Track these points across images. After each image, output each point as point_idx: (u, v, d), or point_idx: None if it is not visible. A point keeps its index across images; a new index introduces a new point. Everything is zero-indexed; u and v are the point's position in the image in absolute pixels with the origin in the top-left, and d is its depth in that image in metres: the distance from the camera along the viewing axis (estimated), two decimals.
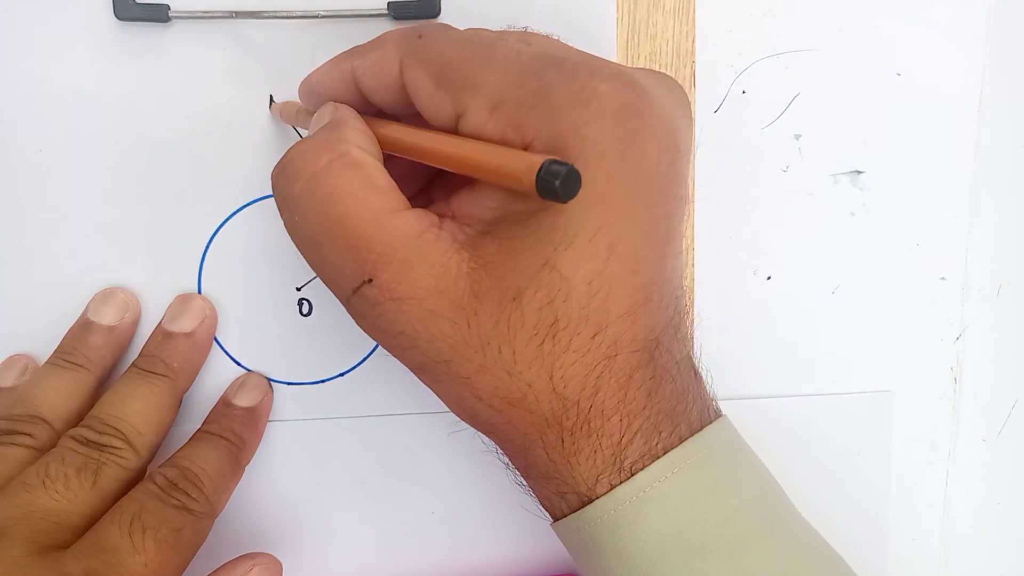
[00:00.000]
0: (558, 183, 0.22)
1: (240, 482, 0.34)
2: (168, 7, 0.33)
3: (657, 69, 0.29)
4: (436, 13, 0.34)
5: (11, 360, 0.34)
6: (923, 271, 0.38)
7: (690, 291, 0.37)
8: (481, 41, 0.27)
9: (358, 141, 0.27)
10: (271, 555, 0.33)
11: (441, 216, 0.27)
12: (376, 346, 0.36)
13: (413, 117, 0.29)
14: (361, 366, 0.36)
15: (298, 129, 0.35)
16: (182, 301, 0.35)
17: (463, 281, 0.25)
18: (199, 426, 0.34)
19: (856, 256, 0.38)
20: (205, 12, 0.33)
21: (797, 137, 0.37)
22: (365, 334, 0.36)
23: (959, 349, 0.39)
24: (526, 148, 0.25)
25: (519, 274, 0.25)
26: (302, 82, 0.31)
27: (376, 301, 0.26)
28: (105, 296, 0.34)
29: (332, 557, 0.37)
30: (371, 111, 0.30)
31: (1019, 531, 0.41)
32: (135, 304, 0.35)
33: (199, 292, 0.35)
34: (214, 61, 0.34)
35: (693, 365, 0.29)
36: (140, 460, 0.32)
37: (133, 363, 0.34)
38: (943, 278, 0.38)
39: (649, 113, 0.26)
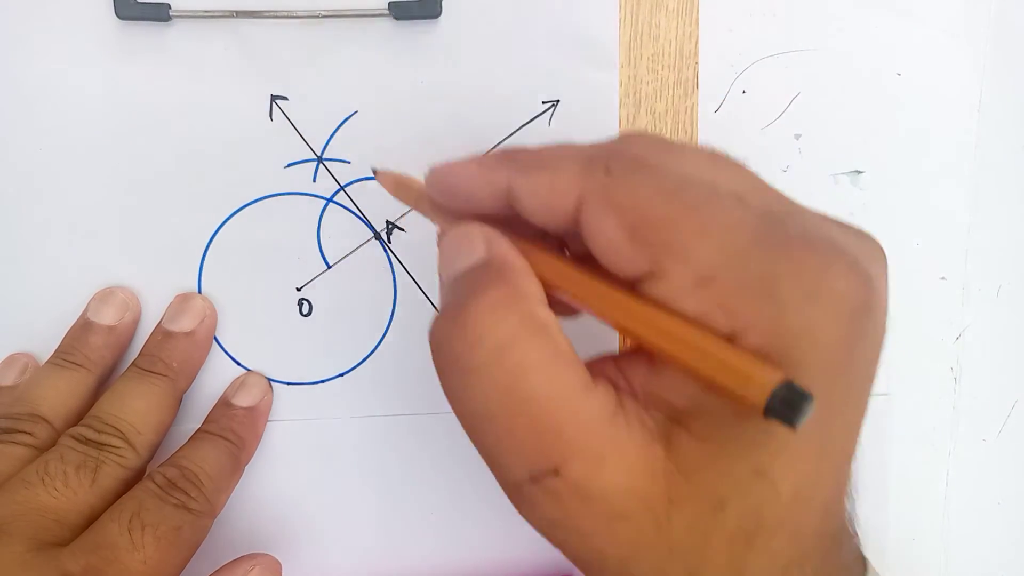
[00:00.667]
0: (796, 416, 0.20)
1: (240, 482, 0.34)
2: (169, 6, 0.33)
3: (849, 223, 0.26)
4: (437, 13, 0.34)
5: (11, 359, 0.34)
6: (923, 271, 0.38)
7: None
8: (691, 197, 0.23)
9: (538, 294, 0.24)
10: (271, 556, 0.33)
11: (616, 387, 0.24)
12: (376, 346, 0.36)
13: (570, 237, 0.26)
14: (361, 366, 0.36)
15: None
16: (182, 301, 0.35)
17: (658, 484, 0.22)
18: (199, 426, 0.34)
19: None
20: (206, 11, 0.33)
21: (797, 137, 0.37)
22: (364, 333, 0.36)
23: (959, 349, 0.39)
24: (733, 335, 0.22)
25: (723, 480, 0.22)
26: (437, 173, 0.27)
27: (558, 495, 0.22)
28: (105, 296, 0.34)
29: (332, 557, 0.37)
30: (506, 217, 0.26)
31: (1019, 531, 0.41)
32: (135, 304, 0.35)
33: (199, 292, 0.35)
34: (215, 60, 0.34)
35: (855, 529, 0.26)
36: (139, 459, 0.32)
37: (133, 363, 0.34)
38: (943, 278, 0.38)
39: (876, 307, 0.23)
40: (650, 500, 0.22)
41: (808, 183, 0.37)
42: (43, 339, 0.34)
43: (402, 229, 0.36)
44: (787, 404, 0.20)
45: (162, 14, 0.33)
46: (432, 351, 0.24)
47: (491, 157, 0.26)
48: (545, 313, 0.24)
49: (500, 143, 0.35)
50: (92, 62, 0.34)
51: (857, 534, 0.26)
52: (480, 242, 0.25)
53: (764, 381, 0.20)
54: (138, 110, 0.34)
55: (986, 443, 0.40)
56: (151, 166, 0.34)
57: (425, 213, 0.28)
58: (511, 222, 0.26)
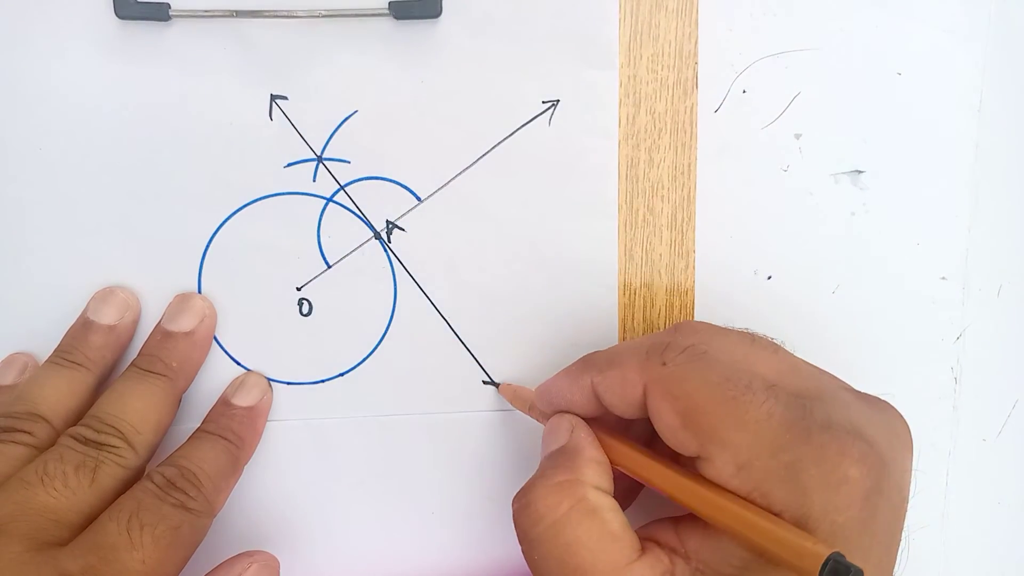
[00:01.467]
0: None
1: (239, 482, 0.34)
2: (169, 6, 0.33)
3: (876, 398, 0.30)
4: (437, 13, 0.34)
5: (11, 358, 0.34)
6: (923, 271, 0.38)
7: (690, 291, 0.37)
8: (731, 388, 0.27)
9: (594, 480, 0.29)
10: (269, 552, 0.33)
11: (671, 551, 0.28)
12: (376, 346, 0.36)
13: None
14: (361, 366, 0.36)
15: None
16: (182, 300, 0.35)
17: None
18: (198, 425, 0.34)
19: (856, 256, 0.38)
20: (206, 11, 0.33)
21: (797, 137, 0.37)
22: (364, 333, 0.36)
23: (959, 349, 0.39)
24: (772, 513, 0.26)
25: None
26: (541, 390, 0.33)
27: None
28: (105, 295, 0.34)
29: (331, 557, 0.37)
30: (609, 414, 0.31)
31: (1019, 531, 0.41)
32: (135, 303, 0.35)
33: (199, 292, 0.35)
34: (215, 60, 0.34)
35: None
36: (139, 459, 0.32)
37: (132, 362, 0.34)
38: (943, 278, 0.38)
39: (887, 487, 0.26)
40: None
41: (808, 183, 0.37)
42: (43, 339, 0.35)
43: (402, 229, 0.36)
44: (836, 575, 0.23)
45: (162, 14, 0.33)
46: (513, 518, 0.29)
47: (575, 365, 0.31)
48: (599, 496, 0.28)
49: (500, 143, 0.35)
50: (92, 62, 0.34)
51: None
52: (565, 429, 0.31)
53: (815, 553, 0.24)
54: (138, 110, 0.34)
55: (986, 443, 0.40)
56: (151, 166, 0.34)
57: (537, 419, 0.34)
58: (604, 419, 0.31)
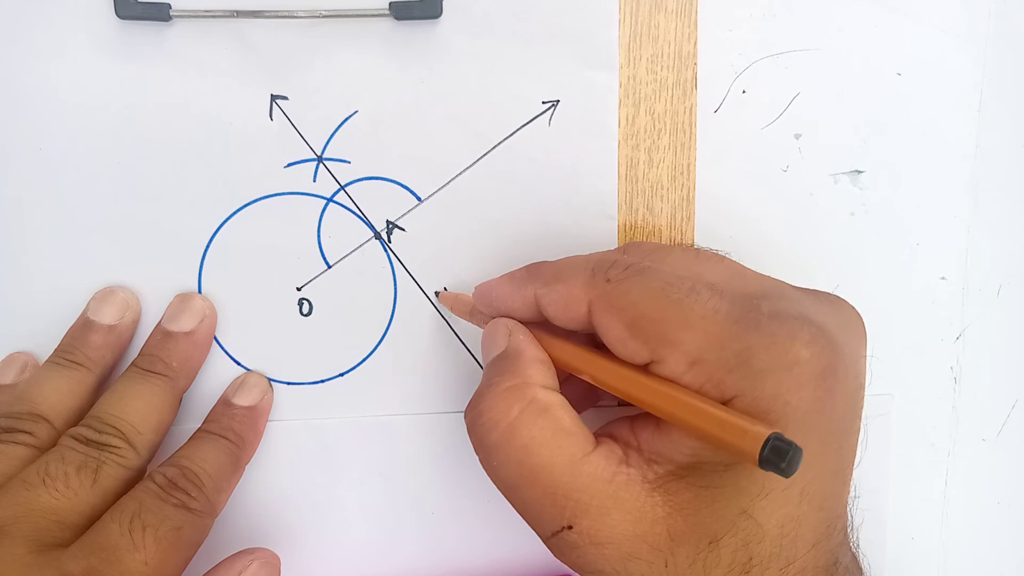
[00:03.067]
0: (784, 464, 0.23)
1: (240, 481, 0.34)
2: (169, 6, 0.33)
3: (825, 293, 0.30)
4: (438, 13, 0.34)
5: (11, 358, 0.34)
6: (923, 271, 0.38)
7: None
8: (675, 297, 0.27)
9: (540, 379, 0.29)
10: (270, 550, 0.33)
11: (624, 444, 0.28)
12: (376, 346, 0.36)
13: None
14: (361, 366, 0.36)
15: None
16: (182, 300, 0.35)
17: (659, 525, 0.27)
18: (199, 425, 0.34)
19: (856, 256, 0.38)
20: (206, 11, 0.33)
21: (797, 137, 0.37)
22: (364, 333, 0.36)
23: (959, 349, 0.39)
24: (725, 403, 0.26)
25: (715, 520, 0.26)
26: (480, 291, 0.33)
27: (576, 545, 0.27)
28: (105, 295, 0.34)
29: (332, 557, 0.37)
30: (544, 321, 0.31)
31: (1019, 531, 0.41)
32: (135, 303, 0.35)
33: (199, 291, 0.35)
34: (215, 60, 0.34)
35: (858, 562, 0.30)
36: (140, 459, 0.32)
37: (133, 362, 0.34)
38: (943, 278, 0.38)
39: (842, 369, 0.27)
40: (654, 541, 0.26)
41: (808, 183, 0.37)
42: (43, 339, 0.35)
43: (402, 229, 0.36)
44: (777, 454, 0.23)
45: (162, 14, 0.33)
46: (467, 431, 0.30)
47: (519, 272, 0.31)
48: (547, 395, 0.29)
49: (500, 143, 0.35)
50: (92, 62, 0.34)
51: (860, 567, 0.29)
52: (502, 335, 0.31)
53: (755, 435, 0.24)
54: (138, 110, 0.34)
55: (986, 443, 0.40)
56: (151, 166, 0.34)
57: (477, 323, 0.33)
58: (545, 324, 0.31)
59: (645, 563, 0.26)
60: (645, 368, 0.28)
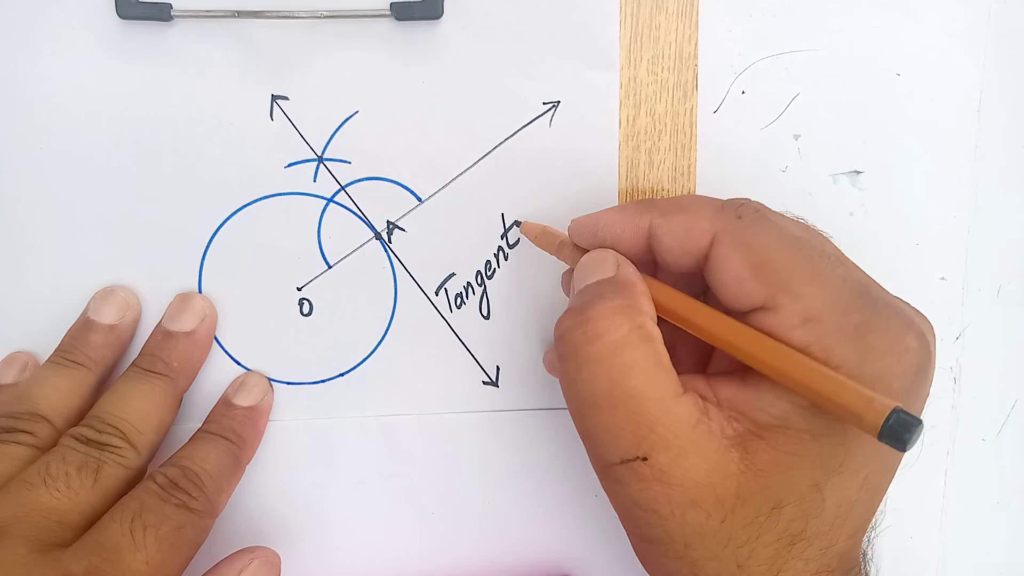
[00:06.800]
0: (908, 436, 0.23)
1: (240, 481, 0.34)
2: (170, 6, 0.33)
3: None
4: (439, 14, 0.34)
5: (11, 357, 0.34)
6: (923, 271, 0.38)
7: None
8: (806, 248, 0.27)
9: (649, 311, 0.29)
10: (270, 549, 0.33)
11: (704, 399, 0.28)
12: (376, 346, 0.36)
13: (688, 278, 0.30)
14: (361, 366, 0.36)
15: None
16: (182, 300, 0.35)
17: (731, 480, 0.27)
18: (199, 425, 0.34)
19: (856, 256, 0.37)
20: (207, 11, 0.33)
21: (796, 137, 0.37)
22: (364, 333, 0.35)
23: (959, 349, 0.39)
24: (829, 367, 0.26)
25: (786, 488, 0.27)
26: (581, 222, 0.32)
27: (643, 478, 0.27)
28: (105, 295, 0.34)
29: (332, 557, 0.37)
30: (644, 266, 0.30)
31: (1018, 531, 0.41)
32: (135, 303, 0.35)
33: (199, 291, 0.35)
34: (216, 60, 0.34)
35: (866, 566, 0.30)
36: (140, 459, 0.32)
37: (133, 362, 0.34)
38: (943, 278, 0.38)
39: (930, 372, 0.28)
40: (721, 494, 0.26)
41: (808, 183, 0.37)
42: (43, 339, 0.35)
43: (402, 229, 0.36)
44: (902, 426, 0.23)
45: (163, 14, 0.33)
46: (555, 339, 0.29)
47: (631, 205, 0.31)
48: (653, 327, 0.28)
49: (500, 144, 0.35)
50: (93, 62, 0.34)
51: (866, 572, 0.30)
52: (612, 262, 0.30)
53: (881, 405, 0.24)
54: (139, 110, 0.34)
55: (985, 443, 0.40)
56: (151, 166, 0.34)
57: (565, 258, 0.33)
58: (641, 265, 0.30)
59: (704, 513, 0.26)
60: (746, 317, 0.27)
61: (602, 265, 0.30)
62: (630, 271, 0.30)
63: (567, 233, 0.32)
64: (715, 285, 0.28)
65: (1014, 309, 0.39)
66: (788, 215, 0.30)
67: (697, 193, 0.36)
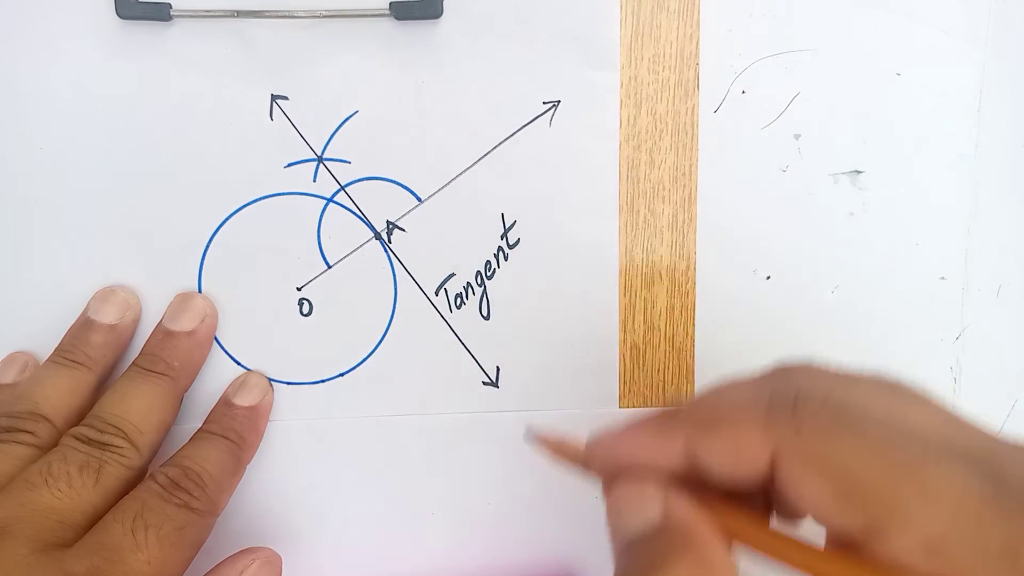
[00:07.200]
0: None
1: (241, 481, 0.34)
2: (170, 6, 0.33)
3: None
4: (438, 13, 0.34)
5: (11, 357, 0.34)
6: (923, 271, 0.38)
7: (691, 292, 0.37)
8: (902, 455, 0.22)
9: (731, 569, 0.23)
10: (271, 549, 0.33)
11: None
12: (376, 346, 0.36)
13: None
14: (361, 366, 0.36)
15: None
16: (182, 300, 0.35)
17: None
18: (200, 425, 0.34)
19: (856, 256, 0.38)
20: (207, 11, 0.33)
21: (797, 137, 0.37)
22: (364, 333, 0.36)
23: (959, 349, 0.39)
24: None
25: None
26: (599, 445, 0.25)
27: None
28: (106, 294, 0.34)
29: (332, 557, 0.37)
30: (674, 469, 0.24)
31: None
32: (136, 303, 0.35)
33: (199, 291, 0.35)
34: (216, 60, 0.34)
35: None
36: (141, 459, 0.32)
37: (134, 362, 0.34)
38: (943, 278, 0.38)
39: None
40: None
41: (808, 183, 0.37)
42: (43, 338, 0.35)
43: (402, 229, 0.36)
44: None
45: (163, 13, 0.33)
46: None
47: (657, 420, 0.24)
48: None
49: (500, 144, 0.35)
50: (93, 62, 0.34)
51: None
52: (656, 503, 0.24)
53: None
54: (138, 110, 0.34)
55: None
56: (151, 166, 0.34)
57: (588, 476, 0.26)
58: (679, 473, 0.24)
59: None
60: (846, 543, 0.22)
61: (642, 507, 0.24)
62: (683, 511, 0.23)
63: (584, 450, 0.26)
64: (800, 509, 0.23)
65: (1014, 309, 0.39)
66: (859, 375, 0.24)
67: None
